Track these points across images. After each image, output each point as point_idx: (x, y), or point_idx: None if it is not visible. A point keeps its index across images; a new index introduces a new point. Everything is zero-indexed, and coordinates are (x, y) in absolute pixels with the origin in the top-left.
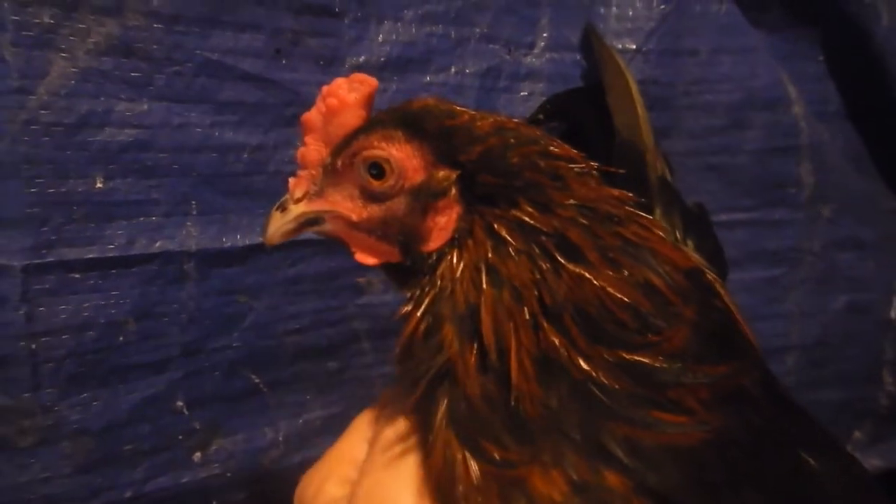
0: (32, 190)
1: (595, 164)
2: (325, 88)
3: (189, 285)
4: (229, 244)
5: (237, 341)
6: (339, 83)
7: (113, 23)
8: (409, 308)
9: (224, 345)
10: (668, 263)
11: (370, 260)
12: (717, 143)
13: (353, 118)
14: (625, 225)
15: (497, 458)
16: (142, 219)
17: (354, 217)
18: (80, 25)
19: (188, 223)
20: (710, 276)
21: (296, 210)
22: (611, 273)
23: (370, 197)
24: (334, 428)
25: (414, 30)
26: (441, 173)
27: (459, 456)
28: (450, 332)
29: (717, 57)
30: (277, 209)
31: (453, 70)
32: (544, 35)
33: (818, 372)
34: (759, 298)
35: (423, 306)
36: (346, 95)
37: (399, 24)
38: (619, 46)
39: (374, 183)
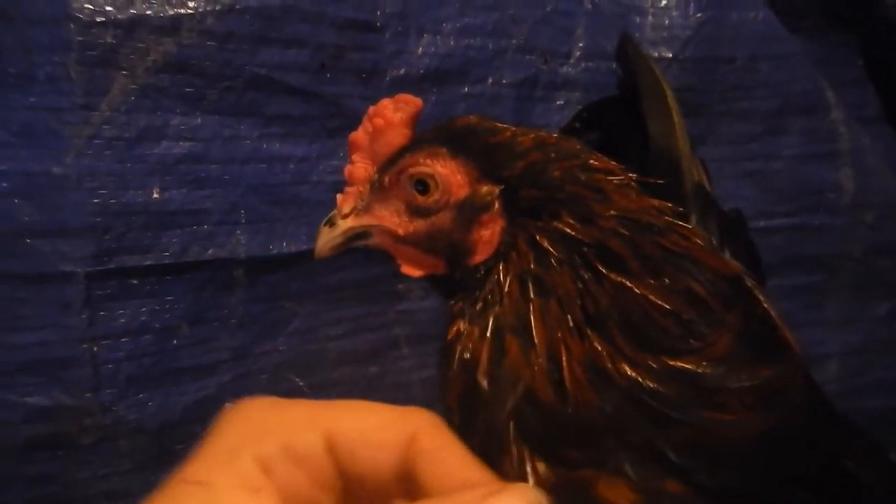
0: (95, 201)
1: (634, 176)
2: (371, 109)
3: (238, 291)
4: (275, 251)
5: (282, 345)
6: (385, 104)
7: (169, 41)
8: (461, 326)
9: (270, 349)
10: (709, 271)
11: (416, 272)
12: (754, 149)
13: (398, 137)
14: (665, 235)
15: (564, 459)
16: (195, 227)
17: (401, 231)
18: (140, 45)
19: (237, 231)
20: (750, 282)
21: (343, 225)
22: (652, 282)
23: (416, 212)
24: None
25: (452, 42)
26: (485, 188)
27: (530, 465)
28: (515, 347)
29: (754, 64)
30: (326, 224)
31: (490, 81)
32: (580, 45)
33: (859, 380)
34: (798, 305)
35: (485, 323)
36: (391, 115)
37: (438, 37)
38: (656, 55)
39: (419, 198)
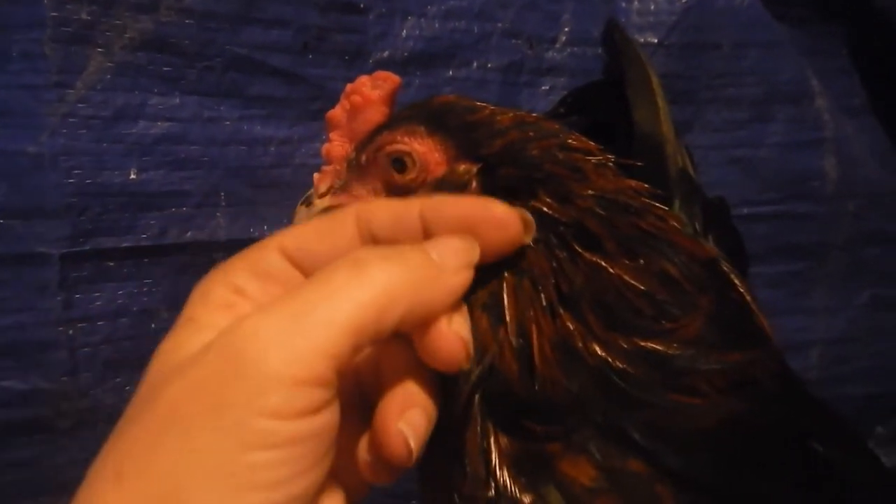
0: (71, 181)
1: (612, 157)
2: (348, 86)
3: None
4: (257, 234)
5: None
6: (363, 81)
7: (147, 19)
8: None
9: None
10: (684, 253)
11: None
12: (740, 136)
13: (376, 114)
14: (642, 216)
15: (528, 431)
16: (174, 209)
17: None
18: (117, 22)
19: (218, 214)
20: (727, 266)
21: (321, 204)
22: (627, 262)
23: (393, 191)
24: None
25: (437, 25)
26: (462, 166)
27: (492, 438)
28: (484, 322)
29: (741, 51)
30: (303, 204)
31: (475, 65)
32: (566, 30)
33: (843, 367)
34: (783, 293)
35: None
36: (369, 92)
37: (423, 19)
38: (642, 40)
39: (396, 177)
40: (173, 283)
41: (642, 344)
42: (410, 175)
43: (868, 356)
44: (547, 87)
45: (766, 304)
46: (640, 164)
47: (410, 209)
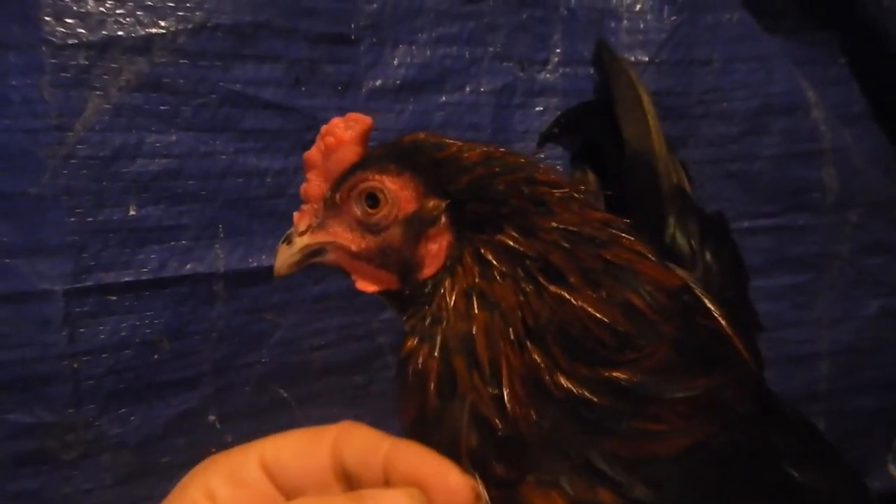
0: (72, 219)
1: (581, 188)
2: (323, 128)
3: (218, 305)
4: (255, 264)
5: (265, 357)
6: (336, 122)
7: (142, 60)
8: (413, 342)
9: (253, 361)
10: (650, 283)
11: (370, 287)
12: (735, 150)
13: (349, 154)
14: (607, 247)
15: (499, 477)
16: (172, 243)
17: (354, 247)
18: (113, 65)
19: (216, 246)
20: (699, 292)
21: (300, 242)
22: (591, 294)
23: (367, 228)
24: None
25: (428, 52)
26: (431, 203)
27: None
28: (461, 365)
29: (732, 65)
30: (284, 242)
31: (468, 89)
32: (557, 51)
33: (852, 379)
34: (787, 305)
35: (434, 341)
36: (342, 133)
37: (413, 47)
38: (632, 58)
39: (370, 213)
40: (174, 314)
41: (606, 374)
42: (383, 211)
43: (877, 367)
44: (541, 108)
45: (770, 317)
46: (610, 193)
47: (379, 447)
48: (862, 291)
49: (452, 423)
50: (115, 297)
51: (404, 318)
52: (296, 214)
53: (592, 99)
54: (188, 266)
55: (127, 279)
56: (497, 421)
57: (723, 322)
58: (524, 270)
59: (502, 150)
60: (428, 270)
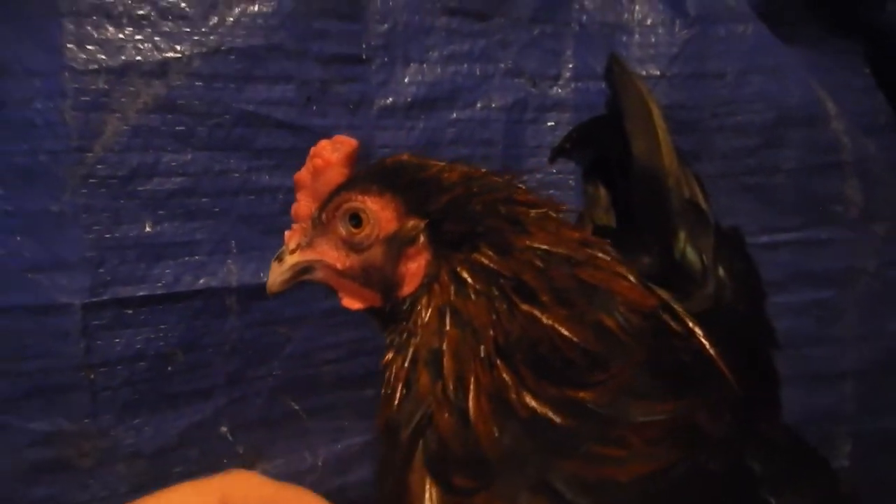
0: (90, 236)
1: (560, 208)
2: (312, 150)
3: (231, 318)
4: (266, 279)
5: (277, 370)
6: (324, 145)
7: (159, 84)
8: (390, 355)
9: (265, 373)
10: (624, 304)
11: (355, 304)
12: (751, 163)
13: (336, 175)
14: (582, 266)
15: (457, 486)
16: (187, 258)
17: (339, 265)
18: (131, 88)
19: (229, 261)
20: (680, 312)
21: (290, 260)
22: (563, 313)
23: (351, 247)
24: (371, 454)
25: (439, 70)
26: (411, 223)
27: (428, 488)
28: (425, 377)
29: (746, 77)
30: (276, 260)
31: (479, 105)
32: (569, 66)
33: (878, 399)
34: (809, 321)
35: (406, 353)
36: (329, 155)
37: (425, 65)
38: (644, 73)
39: (353, 232)
40: (188, 327)
41: (572, 394)
42: (365, 230)
43: None
44: (552, 123)
45: (792, 334)
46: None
47: (263, 495)
48: (889, 307)
49: (413, 431)
50: (130, 311)
51: (385, 333)
52: (287, 233)
53: (604, 113)
54: (202, 280)
55: (142, 293)
56: (457, 434)
57: (705, 343)
58: (498, 289)
59: (483, 170)
60: (407, 288)
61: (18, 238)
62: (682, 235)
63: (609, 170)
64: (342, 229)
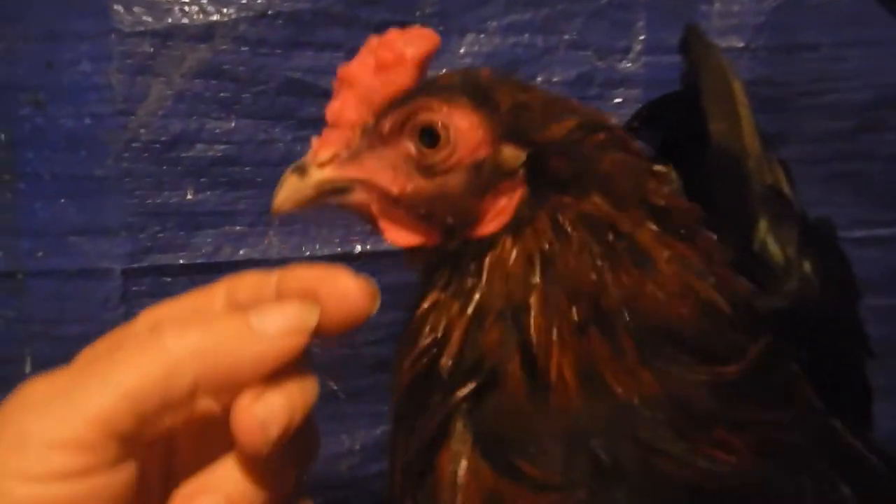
0: (132, 201)
1: (671, 169)
2: (374, 40)
3: None
4: (308, 253)
5: (316, 348)
6: (395, 35)
7: (204, 48)
8: (437, 300)
9: None
10: (735, 294)
11: (406, 240)
12: (845, 148)
13: (405, 77)
14: (694, 241)
15: (525, 474)
16: (227, 228)
17: (395, 190)
18: (176, 52)
19: (270, 233)
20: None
21: (318, 175)
22: (678, 288)
23: (419, 169)
24: None
25: (497, 40)
26: (510, 151)
27: (472, 459)
28: (495, 333)
29: (842, 51)
30: (294, 171)
31: (540, 79)
32: (640, 38)
33: None
34: None
35: (468, 301)
36: (402, 49)
37: (482, 35)
38: (724, 45)
39: (427, 152)
40: None
41: (677, 381)
42: (444, 151)
43: None
44: (619, 100)
45: (886, 341)
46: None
47: (270, 278)
48: None
49: (455, 392)
50: (169, 279)
51: (434, 277)
52: (315, 140)
53: (677, 90)
54: (241, 252)
55: (182, 262)
56: (526, 404)
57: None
58: (605, 246)
59: (591, 107)
60: (487, 228)
61: (63, 201)
62: (762, 224)
63: (681, 151)
64: (410, 145)
